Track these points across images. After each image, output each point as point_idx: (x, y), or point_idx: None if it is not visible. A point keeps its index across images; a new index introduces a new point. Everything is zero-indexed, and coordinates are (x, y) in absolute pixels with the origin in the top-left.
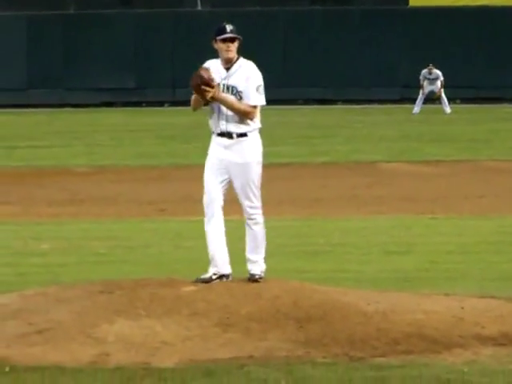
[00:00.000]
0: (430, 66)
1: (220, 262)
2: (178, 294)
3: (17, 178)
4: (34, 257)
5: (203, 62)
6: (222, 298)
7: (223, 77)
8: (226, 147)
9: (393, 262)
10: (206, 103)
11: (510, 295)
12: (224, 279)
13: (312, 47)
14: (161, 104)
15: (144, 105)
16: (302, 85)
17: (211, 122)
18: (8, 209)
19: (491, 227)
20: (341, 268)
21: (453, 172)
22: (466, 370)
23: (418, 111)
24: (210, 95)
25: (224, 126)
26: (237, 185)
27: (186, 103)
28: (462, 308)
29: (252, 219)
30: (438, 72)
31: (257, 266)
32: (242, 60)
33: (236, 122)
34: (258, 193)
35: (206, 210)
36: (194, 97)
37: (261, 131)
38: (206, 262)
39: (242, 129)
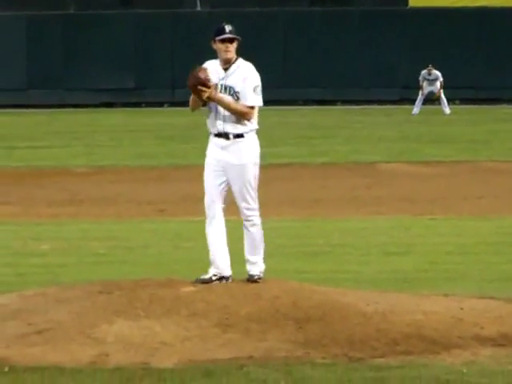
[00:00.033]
0: (430, 67)
1: (221, 264)
2: (177, 294)
3: (16, 179)
4: (34, 257)
5: (203, 62)
6: (221, 299)
7: (221, 77)
8: (223, 148)
9: (392, 263)
10: (204, 104)
11: (509, 296)
12: (224, 281)
13: (311, 48)
14: (160, 104)
15: (143, 105)
16: (302, 85)
17: (208, 122)
18: (8, 209)
19: (490, 228)
20: (340, 269)
21: (452, 173)
22: (465, 370)
23: (417, 112)
24: (206, 95)
25: (221, 127)
26: (234, 186)
27: (186, 104)
28: (461, 309)
29: (249, 221)
30: (438, 73)
31: (256, 267)
32: (240, 61)
33: (233, 122)
34: (254, 194)
35: (207, 211)
36: (192, 97)
37: (258, 132)
38: (206, 262)
39: (238, 129)
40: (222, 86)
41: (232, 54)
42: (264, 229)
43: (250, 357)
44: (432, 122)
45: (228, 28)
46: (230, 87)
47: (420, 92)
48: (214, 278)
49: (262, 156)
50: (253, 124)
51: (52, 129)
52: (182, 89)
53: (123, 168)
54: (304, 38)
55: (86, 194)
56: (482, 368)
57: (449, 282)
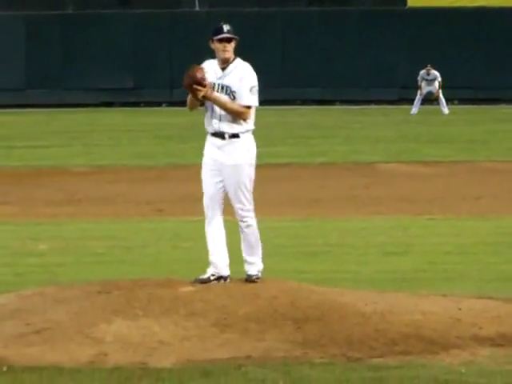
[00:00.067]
0: (428, 67)
1: (219, 264)
2: (175, 294)
3: (15, 178)
4: (32, 257)
5: (201, 62)
6: (219, 299)
7: (219, 76)
8: (219, 147)
9: (391, 263)
10: (202, 103)
11: (508, 296)
12: (222, 281)
13: (310, 48)
14: (159, 104)
15: (142, 105)
16: (301, 85)
17: (205, 122)
18: (6, 209)
19: (489, 228)
20: (339, 269)
21: (451, 173)
22: (463, 370)
23: (416, 112)
24: (201, 94)
25: (217, 126)
26: (228, 186)
27: (184, 104)
28: (460, 309)
29: (244, 222)
30: (436, 73)
31: (253, 267)
32: (238, 60)
33: (229, 121)
34: (249, 196)
35: (205, 211)
36: (189, 96)
37: (257, 132)
38: (204, 262)
39: (234, 129)
40: (219, 85)
41: (230, 54)
42: (263, 228)
43: (249, 357)
44: (430, 122)
45: (226, 28)
46: (227, 87)
47: (418, 92)
48: (212, 277)
49: (261, 156)
50: (249, 124)
51: (51, 128)
52: (181, 88)
53: (122, 167)
54: (302, 37)
55: (84, 194)
56: (480, 368)
57: (447, 282)
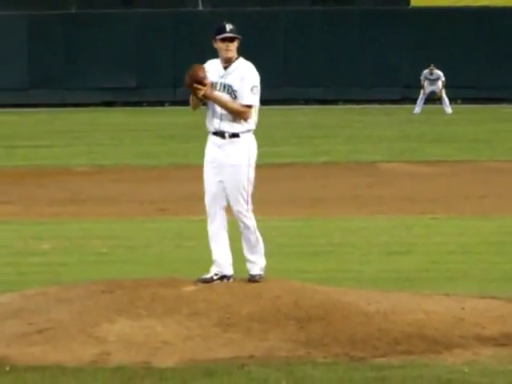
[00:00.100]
0: (432, 67)
1: (222, 263)
2: (178, 293)
3: (18, 178)
4: (35, 256)
5: (204, 62)
6: (222, 298)
7: (221, 75)
8: (219, 147)
9: (393, 262)
10: (205, 103)
11: (511, 296)
12: (225, 280)
13: (313, 47)
14: (161, 104)
15: (145, 104)
16: (303, 85)
17: (207, 121)
18: (9, 208)
19: (492, 227)
20: (342, 268)
21: (453, 172)
22: (466, 370)
23: (418, 111)
24: (201, 93)
25: (218, 125)
26: (227, 186)
27: (187, 103)
28: (463, 308)
29: (242, 222)
30: (439, 72)
31: (256, 266)
32: (240, 60)
33: (230, 121)
34: (247, 196)
35: (207, 210)
36: (192, 96)
37: (259, 132)
38: (207, 261)
39: (235, 128)
40: (221, 84)
41: (232, 53)
42: (265, 228)
43: (252, 356)
44: (433, 121)
45: (229, 27)
46: (229, 86)
47: (421, 91)
48: (215, 277)
49: (264, 155)
50: (250, 124)
51: (53, 128)
52: (184, 88)
53: (124, 167)
54: (305, 37)
55: (87, 194)
56: (483, 368)
57: (450, 282)
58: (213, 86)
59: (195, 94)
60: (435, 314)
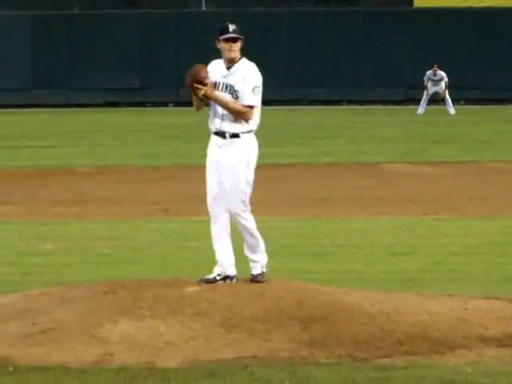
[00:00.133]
0: (435, 68)
1: (225, 264)
2: (181, 294)
3: (21, 178)
4: (38, 257)
5: (207, 62)
6: (225, 299)
7: (224, 75)
8: (220, 147)
9: (397, 263)
10: (208, 103)
11: None
12: (228, 281)
13: (316, 48)
14: (165, 104)
15: (148, 105)
16: (306, 85)
17: (209, 121)
18: (12, 209)
19: (495, 228)
20: (345, 269)
21: (457, 173)
22: (469, 370)
23: (422, 112)
24: (202, 93)
25: (219, 125)
26: (225, 187)
27: (190, 104)
28: (466, 309)
29: (239, 223)
30: (443, 73)
31: (257, 265)
32: (243, 60)
33: (231, 121)
34: (245, 197)
35: (210, 210)
36: (193, 96)
37: (261, 133)
38: (210, 262)
39: (236, 129)
40: (223, 84)
41: (235, 54)
42: (268, 228)
43: (255, 357)
44: (437, 122)
45: (232, 27)
46: (231, 86)
47: (425, 92)
48: (218, 277)
49: (267, 156)
50: (251, 125)
51: (57, 128)
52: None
53: (127, 168)
54: (309, 38)
55: (90, 194)
56: (486, 368)
57: (454, 283)
58: (216, 86)
59: (196, 94)
60: (438, 315)
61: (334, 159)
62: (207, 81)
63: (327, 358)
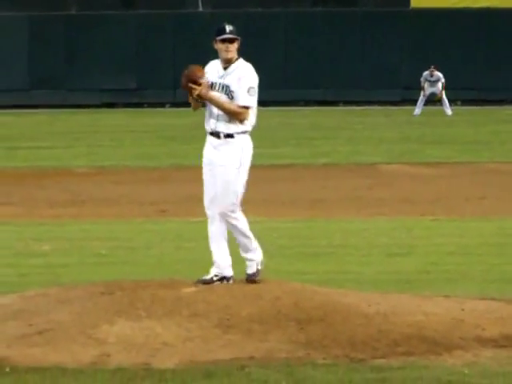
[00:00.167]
0: (432, 68)
1: (222, 264)
2: (178, 295)
3: (18, 179)
4: (35, 257)
5: (204, 63)
6: (222, 299)
7: (220, 75)
8: (215, 147)
9: (394, 264)
10: (204, 103)
11: (511, 297)
12: (225, 281)
13: (313, 48)
14: (162, 105)
15: (145, 106)
16: (303, 86)
17: (205, 121)
18: (9, 209)
19: (492, 229)
20: (342, 269)
21: (453, 174)
22: (466, 371)
23: (418, 113)
24: (196, 93)
25: (214, 125)
26: (217, 186)
27: (187, 104)
28: (463, 310)
29: (229, 223)
30: (440, 74)
31: (252, 264)
32: (240, 61)
33: (225, 121)
34: (235, 199)
35: (206, 211)
36: (189, 96)
37: (258, 133)
38: (207, 262)
39: (230, 129)
40: (219, 84)
41: (232, 54)
42: (265, 229)
43: (251, 357)
44: (433, 123)
45: (228, 28)
46: (226, 86)
47: (422, 93)
48: (215, 278)
49: (264, 157)
50: (246, 125)
51: (54, 129)
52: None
53: (124, 168)
54: (306, 38)
55: (87, 195)
56: (483, 369)
57: (450, 283)
58: (212, 86)
59: (191, 94)
60: (435, 316)
61: (331, 160)
62: (201, 81)
63: (324, 358)
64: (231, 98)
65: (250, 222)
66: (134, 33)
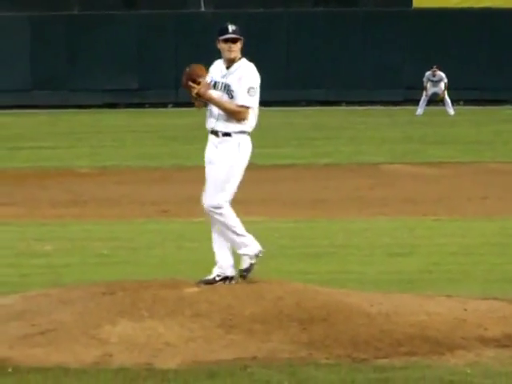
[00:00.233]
0: (434, 68)
1: (224, 265)
2: (180, 295)
3: (20, 179)
4: (38, 258)
5: (206, 63)
6: (224, 299)
7: (223, 75)
8: (215, 145)
9: (396, 264)
10: (206, 103)
11: None
12: (227, 281)
13: (315, 49)
14: (164, 105)
15: (147, 106)
16: (305, 86)
17: (206, 120)
18: (11, 210)
19: (494, 229)
20: (344, 269)
21: (456, 174)
22: (468, 371)
23: (421, 113)
24: (195, 91)
25: (213, 124)
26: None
27: (189, 104)
28: (465, 310)
29: (215, 219)
30: (442, 74)
31: (246, 259)
32: (243, 61)
33: (225, 120)
34: (221, 197)
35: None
36: (190, 95)
37: (259, 133)
38: (209, 262)
39: (228, 128)
40: (222, 84)
41: (235, 54)
42: (267, 229)
43: (254, 357)
44: (436, 122)
45: (231, 28)
46: (228, 85)
47: (424, 93)
48: (217, 278)
49: (265, 157)
50: (244, 125)
51: (56, 129)
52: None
53: (126, 169)
54: (308, 38)
55: (89, 195)
56: (485, 369)
57: (453, 283)
58: (215, 85)
59: (191, 93)
60: (437, 316)
61: (333, 160)
62: (201, 80)
63: (326, 358)
64: (231, 97)
65: (252, 222)
66: (136, 33)
